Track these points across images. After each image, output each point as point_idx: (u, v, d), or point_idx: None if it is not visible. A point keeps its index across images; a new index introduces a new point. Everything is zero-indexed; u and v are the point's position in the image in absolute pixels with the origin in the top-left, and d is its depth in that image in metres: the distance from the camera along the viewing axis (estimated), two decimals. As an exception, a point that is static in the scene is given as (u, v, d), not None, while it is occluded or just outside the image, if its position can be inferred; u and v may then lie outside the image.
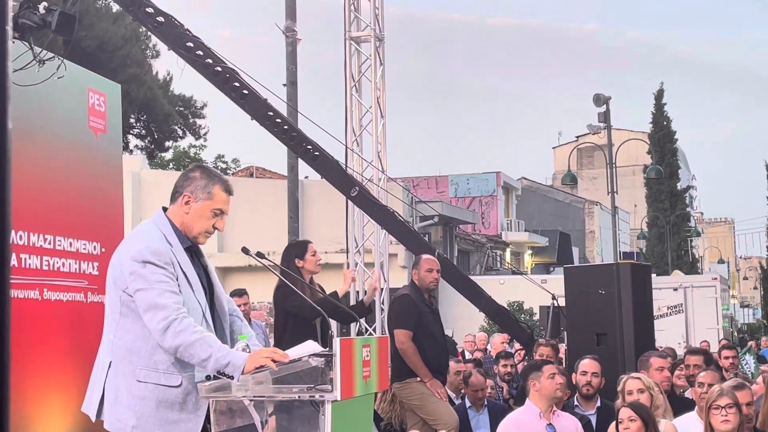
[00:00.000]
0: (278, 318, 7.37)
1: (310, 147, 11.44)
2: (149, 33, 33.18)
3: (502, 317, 13.02)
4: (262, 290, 14.17)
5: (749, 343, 20.03)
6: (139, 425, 4.13)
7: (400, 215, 12.92)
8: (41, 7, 6.52)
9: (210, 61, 10.01)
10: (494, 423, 7.87)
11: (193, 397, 4.20)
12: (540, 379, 6.67)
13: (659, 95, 50.39)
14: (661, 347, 11.25)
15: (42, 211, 6.14)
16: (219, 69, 10.13)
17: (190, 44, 9.84)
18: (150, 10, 9.51)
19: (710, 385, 6.34)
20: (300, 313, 7.04)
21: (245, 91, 10.47)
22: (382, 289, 13.78)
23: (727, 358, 9.60)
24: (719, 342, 18.36)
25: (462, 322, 24.34)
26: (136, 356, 4.16)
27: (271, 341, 9.69)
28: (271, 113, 10.91)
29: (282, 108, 11.81)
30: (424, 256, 8.53)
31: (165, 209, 4.42)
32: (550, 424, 6.59)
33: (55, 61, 6.31)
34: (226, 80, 10.24)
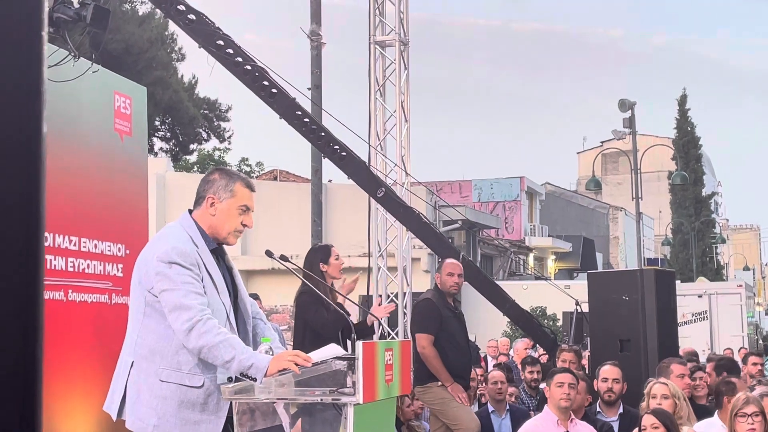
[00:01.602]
0: (298, 325, 7.31)
1: (337, 147, 11.45)
2: (175, 36, 33.46)
3: (526, 322, 13.00)
4: (285, 293, 14.19)
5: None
6: (160, 425, 4.14)
7: (426, 217, 12.90)
8: (75, 1, 6.56)
9: (240, 59, 10.04)
10: (516, 428, 7.83)
11: (214, 398, 4.21)
12: (551, 386, 6.66)
13: (682, 101, 50.10)
14: (685, 350, 11.17)
15: (67, 213, 6.17)
16: (249, 67, 10.16)
17: (221, 42, 9.87)
18: (182, 7, 9.55)
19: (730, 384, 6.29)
20: (321, 331, 6.96)
21: (274, 90, 10.50)
22: (405, 293, 13.77)
23: (755, 364, 9.55)
24: (739, 351, 18.23)
25: (485, 327, 24.26)
26: (160, 356, 4.18)
27: (289, 346, 9.68)
28: (299, 113, 10.94)
29: (308, 109, 11.84)
30: (447, 260, 8.52)
31: (190, 211, 4.44)
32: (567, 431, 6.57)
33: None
34: (256, 78, 10.27)
